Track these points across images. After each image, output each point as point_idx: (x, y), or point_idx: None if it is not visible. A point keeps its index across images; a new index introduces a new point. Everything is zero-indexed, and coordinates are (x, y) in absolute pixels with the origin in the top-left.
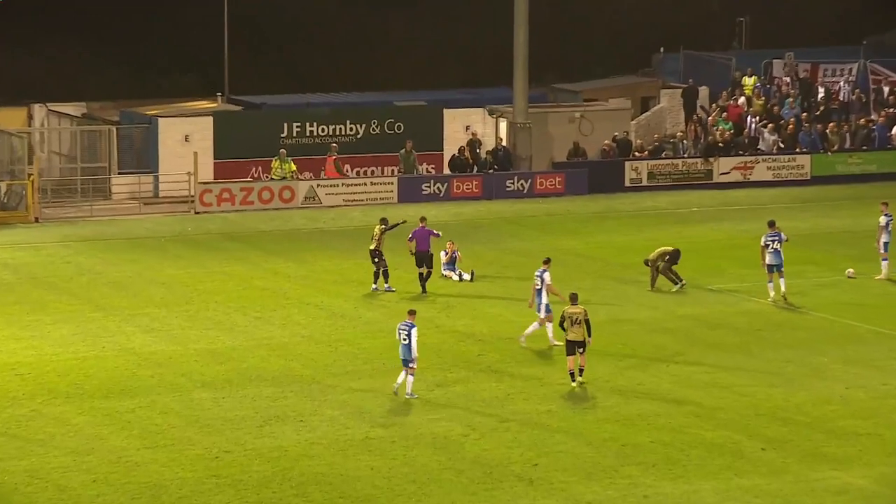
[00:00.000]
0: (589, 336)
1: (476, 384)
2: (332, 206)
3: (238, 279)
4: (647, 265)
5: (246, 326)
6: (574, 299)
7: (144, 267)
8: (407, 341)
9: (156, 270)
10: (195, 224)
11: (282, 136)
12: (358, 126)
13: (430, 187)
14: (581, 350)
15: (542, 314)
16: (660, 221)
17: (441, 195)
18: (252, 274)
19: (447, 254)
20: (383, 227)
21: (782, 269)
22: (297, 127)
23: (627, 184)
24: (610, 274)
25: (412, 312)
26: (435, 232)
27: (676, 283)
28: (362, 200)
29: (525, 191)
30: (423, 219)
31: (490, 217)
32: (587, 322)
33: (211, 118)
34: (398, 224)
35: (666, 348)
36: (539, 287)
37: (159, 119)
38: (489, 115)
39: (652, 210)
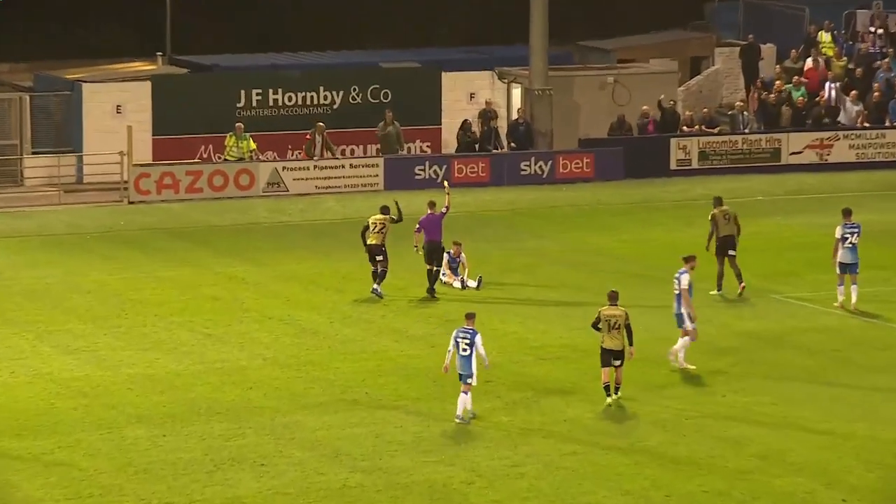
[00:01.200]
0: (630, 345)
1: (483, 418)
2: (302, 195)
3: (183, 286)
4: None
5: (193, 346)
6: (613, 298)
7: (65, 271)
8: (468, 352)
9: (80, 275)
10: (129, 217)
11: (238, 106)
12: (334, 94)
13: (425, 170)
14: (619, 362)
15: (688, 325)
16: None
17: (439, 181)
18: (201, 280)
19: (450, 255)
20: (388, 217)
21: (857, 272)
22: (258, 95)
23: (673, 166)
24: (651, 279)
25: (471, 316)
26: (444, 209)
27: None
28: (339, 187)
29: (544, 175)
30: (431, 204)
31: (500, 208)
32: (628, 328)
33: (149, 84)
34: (399, 217)
35: (721, 373)
36: (678, 292)
37: (83, 85)
38: (499, 79)
39: (704, 199)
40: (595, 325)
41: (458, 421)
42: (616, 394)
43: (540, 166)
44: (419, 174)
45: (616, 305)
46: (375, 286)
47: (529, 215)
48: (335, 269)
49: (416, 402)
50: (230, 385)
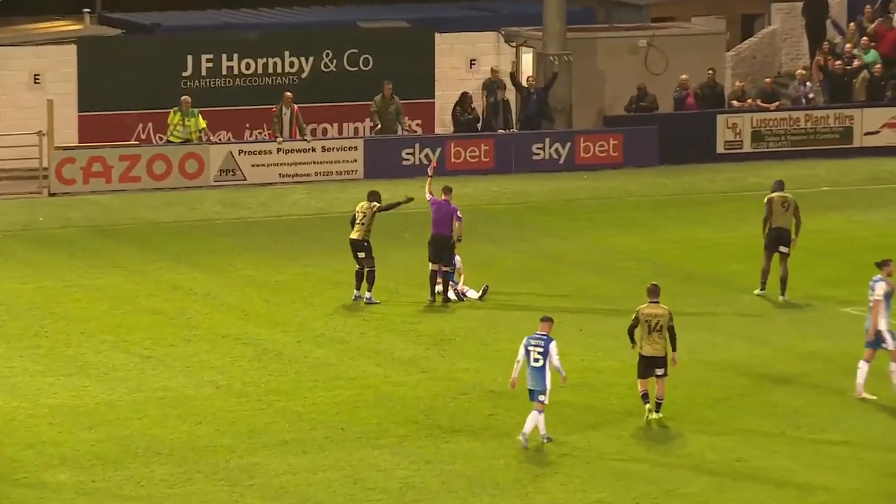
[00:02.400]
0: (674, 349)
1: (485, 460)
2: (263, 185)
3: (117, 297)
4: (765, 235)
5: (129, 371)
6: (654, 293)
7: None
8: (541, 363)
9: None
10: (49, 212)
11: (184, 74)
12: (302, 60)
13: (414, 155)
14: (661, 371)
15: (889, 343)
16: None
17: (429, 170)
18: (138, 289)
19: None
20: (375, 205)
21: None
22: (209, 61)
23: (721, 149)
24: (693, 288)
25: (547, 320)
26: (458, 214)
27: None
28: (309, 175)
29: (561, 160)
30: (447, 189)
31: (508, 202)
32: (671, 330)
33: (73, 48)
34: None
35: (780, 405)
36: (872, 303)
37: None
38: (506, 42)
39: (758, 190)
40: (632, 330)
41: (520, 439)
42: (658, 412)
43: (556, 150)
44: (407, 159)
45: (657, 303)
46: (357, 292)
47: (543, 210)
48: (304, 276)
49: (404, 440)
50: (174, 419)
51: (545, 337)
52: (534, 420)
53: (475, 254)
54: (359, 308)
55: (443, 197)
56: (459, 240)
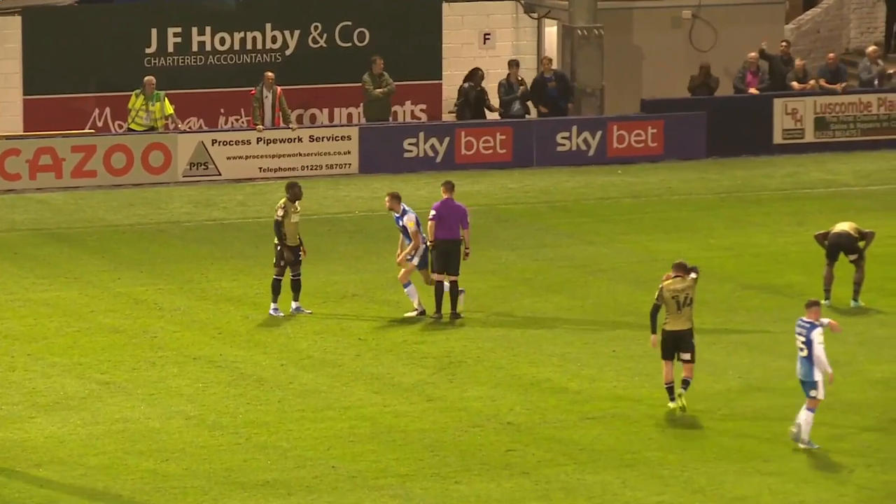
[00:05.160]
0: None
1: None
2: (240, 181)
3: (69, 313)
4: (825, 245)
5: (83, 399)
6: (681, 268)
7: None
8: (805, 352)
9: None
10: None
11: (148, 52)
12: (287, 34)
13: (418, 145)
14: (688, 357)
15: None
16: (838, 208)
17: (438, 160)
18: (94, 303)
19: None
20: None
21: None
22: (176, 36)
23: (778, 139)
24: (746, 303)
25: (812, 305)
26: (467, 220)
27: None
28: (294, 169)
29: (591, 152)
30: (449, 186)
31: (529, 200)
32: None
33: (18, 19)
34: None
35: (850, 438)
36: None
37: None
38: (525, 13)
39: (822, 186)
40: (654, 312)
41: (792, 435)
42: (684, 390)
43: (585, 139)
44: (409, 150)
45: (682, 277)
46: (296, 304)
47: (570, 210)
48: (288, 289)
49: (406, 480)
50: (137, 455)
51: (808, 324)
52: (802, 417)
53: (490, 262)
54: (353, 325)
55: (444, 195)
56: (467, 253)
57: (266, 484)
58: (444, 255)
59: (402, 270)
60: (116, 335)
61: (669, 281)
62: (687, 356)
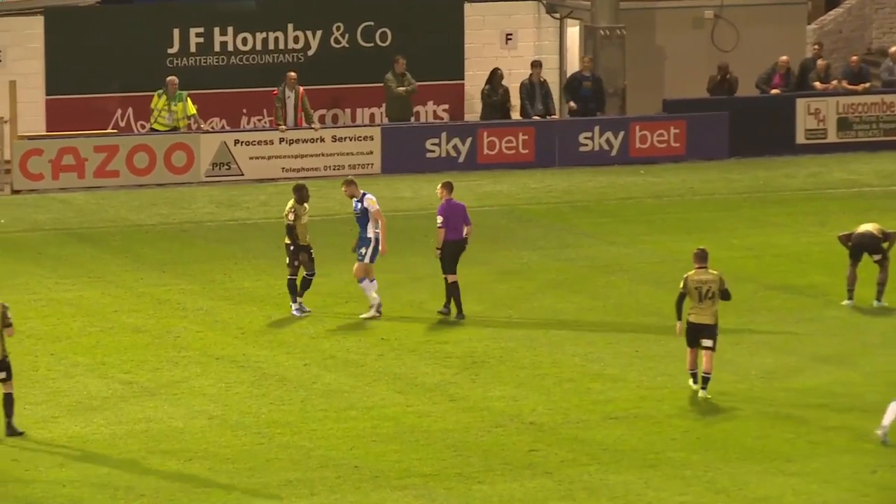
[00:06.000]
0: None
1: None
2: (263, 181)
3: (92, 313)
4: (848, 246)
5: (106, 399)
6: (701, 258)
7: None
8: None
9: None
10: (12, 213)
11: (170, 52)
12: (309, 35)
13: (440, 146)
14: (710, 343)
15: None
16: (863, 208)
17: (461, 160)
18: (117, 303)
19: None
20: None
21: None
22: (199, 36)
23: (801, 139)
24: (769, 303)
25: None
26: (468, 217)
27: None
28: (317, 170)
29: (613, 152)
30: (449, 186)
31: (551, 200)
32: (726, 294)
33: (41, 19)
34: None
35: (870, 440)
36: None
37: None
38: (548, 13)
39: (844, 187)
40: (680, 301)
41: (878, 433)
42: (704, 389)
43: (607, 139)
44: (432, 150)
45: (705, 268)
46: (298, 302)
47: (592, 210)
48: (311, 289)
49: (430, 480)
50: (160, 455)
51: None
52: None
53: (512, 262)
54: (375, 325)
55: (443, 196)
56: (439, 249)
57: (289, 483)
58: (452, 256)
59: (357, 266)
60: (139, 335)
61: (692, 272)
62: (709, 343)
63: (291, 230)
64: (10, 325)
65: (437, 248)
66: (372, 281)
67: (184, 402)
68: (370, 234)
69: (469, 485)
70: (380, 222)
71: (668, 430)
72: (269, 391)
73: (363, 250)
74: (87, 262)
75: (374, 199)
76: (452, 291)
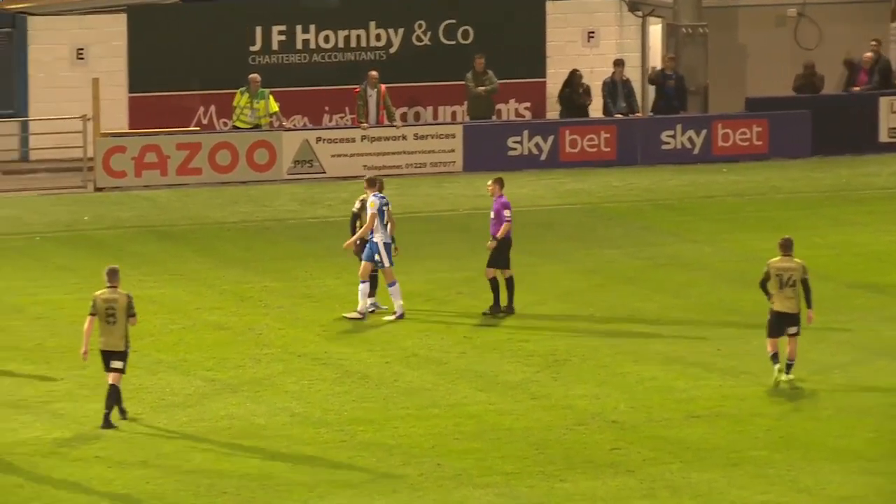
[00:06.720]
0: (809, 306)
1: (607, 502)
2: (345, 178)
3: (174, 310)
4: None
5: (189, 396)
6: (786, 247)
7: (2, 287)
8: None
9: (23, 294)
10: (95, 210)
11: (253, 49)
12: (391, 32)
13: (522, 144)
14: (794, 330)
15: None
16: None
17: (543, 158)
18: (199, 301)
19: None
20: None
21: None
22: (281, 34)
23: (884, 137)
24: (851, 301)
25: None
26: (507, 213)
27: None
28: (398, 168)
29: (696, 150)
30: (501, 183)
31: (632, 199)
32: (805, 284)
33: (124, 17)
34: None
35: None
36: None
37: (29, 18)
38: (630, 11)
39: None
40: (764, 284)
41: None
42: (788, 373)
43: (689, 138)
44: (514, 148)
45: (790, 256)
46: (371, 299)
47: (674, 209)
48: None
49: (511, 478)
50: (242, 452)
51: None
52: None
53: (593, 259)
54: (458, 323)
55: (495, 192)
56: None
57: (371, 481)
58: (499, 252)
59: (377, 269)
60: (222, 332)
61: (776, 259)
62: (793, 329)
63: (355, 220)
64: (133, 314)
65: (494, 241)
66: (393, 284)
67: (266, 399)
68: (387, 238)
69: (551, 483)
70: (368, 221)
71: (751, 428)
72: (351, 388)
73: (377, 256)
74: (170, 260)
75: (374, 201)
76: (509, 286)
